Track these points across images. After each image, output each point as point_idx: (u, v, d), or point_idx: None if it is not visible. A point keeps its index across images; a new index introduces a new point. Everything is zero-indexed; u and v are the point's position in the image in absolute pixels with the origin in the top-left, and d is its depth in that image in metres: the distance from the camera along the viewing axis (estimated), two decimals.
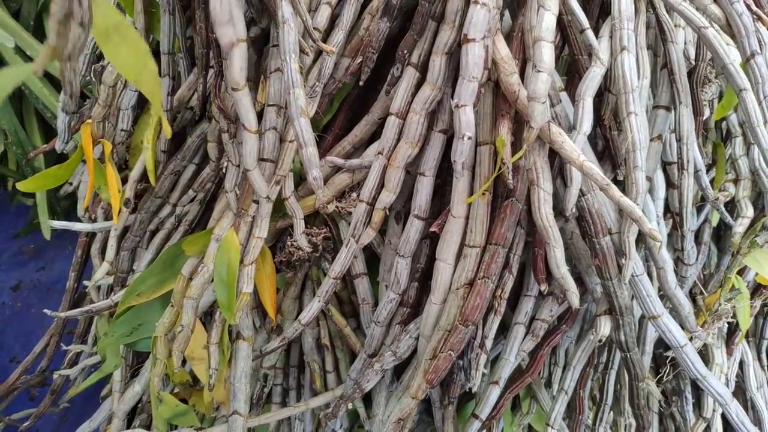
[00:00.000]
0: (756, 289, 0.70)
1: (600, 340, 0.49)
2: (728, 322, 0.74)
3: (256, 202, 0.52)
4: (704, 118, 0.56)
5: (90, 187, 0.64)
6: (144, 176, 0.66)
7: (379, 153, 0.51)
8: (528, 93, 0.42)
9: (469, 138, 0.43)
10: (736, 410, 0.51)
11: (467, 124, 0.43)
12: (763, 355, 0.76)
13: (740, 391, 0.76)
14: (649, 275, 0.52)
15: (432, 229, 0.51)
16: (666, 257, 0.51)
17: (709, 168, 0.63)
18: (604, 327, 0.49)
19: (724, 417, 0.78)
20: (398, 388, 0.54)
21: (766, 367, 0.76)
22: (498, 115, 0.46)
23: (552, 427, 0.55)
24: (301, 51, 0.49)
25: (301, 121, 0.47)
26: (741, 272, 0.68)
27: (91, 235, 0.82)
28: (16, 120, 0.95)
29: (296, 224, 0.52)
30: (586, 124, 0.46)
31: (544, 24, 0.43)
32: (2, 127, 0.95)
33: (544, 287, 0.51)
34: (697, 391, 0.74)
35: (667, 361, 0.68)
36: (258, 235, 0.52)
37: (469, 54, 0.41)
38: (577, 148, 0.44)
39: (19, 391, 0.85)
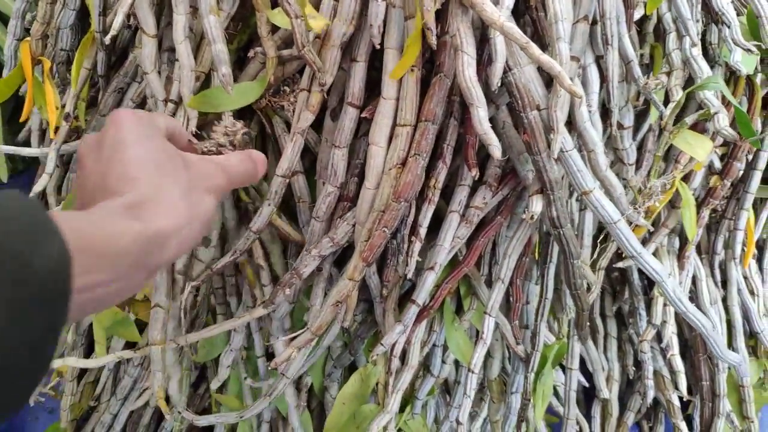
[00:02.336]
0: (704, 199, 0.70)
1: (532, 217, 0.49)
2: (679, 237, 0.75)
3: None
4: (634, 10, 0.57)
5: (28, 102, 0.63)
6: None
7: (316, 38, 0.50)
8: None
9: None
10: (672, 287, 0.51)
11: None
12: (716, 271, 0.76)
13: None
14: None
15: (363, 114, 0.51)
16: (596, 139, 0.51)
17: (649, 69, 0.64)
18: (536, 205, 0.49)
19: (680, 336, 0.79)
20: (336, 279, 0.54)
21: (719, 283, 0.77)
22: None
23: (490, 315, 0.55)
24: None
25: (211, 18, 0.48)
26: (686, 179, 0.68)
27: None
28: None
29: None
30: None
31: None
32: None
33: (474, 172, 0.51)
34: (649, 309, 0.75)
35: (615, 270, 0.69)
36: None
37: None
38: (497, 11, 0.44)
39: None
